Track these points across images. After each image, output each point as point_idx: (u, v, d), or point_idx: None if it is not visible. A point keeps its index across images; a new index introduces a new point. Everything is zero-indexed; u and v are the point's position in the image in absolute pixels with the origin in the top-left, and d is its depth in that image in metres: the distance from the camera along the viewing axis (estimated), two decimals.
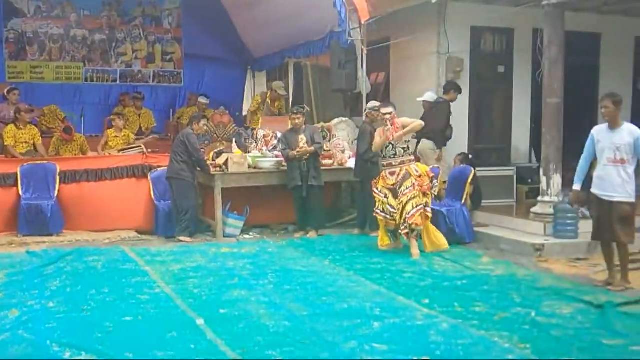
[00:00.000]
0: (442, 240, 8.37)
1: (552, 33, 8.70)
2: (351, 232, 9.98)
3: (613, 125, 6.66)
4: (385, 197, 8.16)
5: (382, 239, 8.55)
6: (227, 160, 9.57)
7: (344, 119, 11.29)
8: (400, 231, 8.15)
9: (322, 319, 5.51)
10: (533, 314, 5.68)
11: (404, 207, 7.94)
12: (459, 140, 10.56)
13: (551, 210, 8.59)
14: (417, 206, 7.90)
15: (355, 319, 5.48)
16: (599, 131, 6.79)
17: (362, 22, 10.08)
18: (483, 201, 9.91)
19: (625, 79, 12.01)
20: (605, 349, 4.83)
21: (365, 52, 10.36)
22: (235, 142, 10.61)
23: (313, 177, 9.44)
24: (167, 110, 13.98)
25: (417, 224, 7.95)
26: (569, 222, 8.32)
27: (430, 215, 8.17)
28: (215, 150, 10.35)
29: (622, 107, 6.74)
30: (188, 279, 6.97)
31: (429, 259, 8.04)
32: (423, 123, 8.54)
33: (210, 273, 7.26)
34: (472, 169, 9.43)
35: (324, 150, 9.94)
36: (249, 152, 10.27)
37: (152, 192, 9.83)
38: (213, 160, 9.94)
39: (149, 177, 9.92)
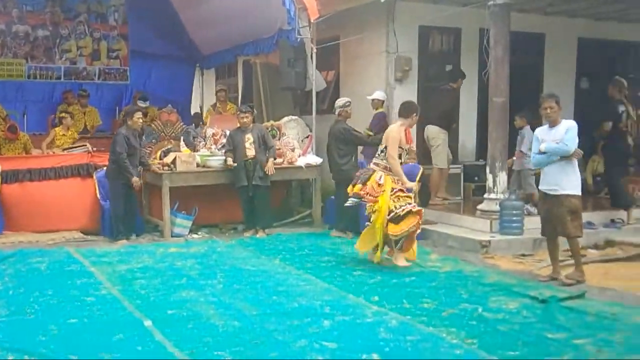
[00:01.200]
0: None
1: (498, 33, 8.85)
2: (301, 230, 9.99)
3: (554, 124, 6.87)
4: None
5: (364, 244, 7.78)
6: (175, 159, 9.46)
7: (293, 117, 11.27)
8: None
9: (272, 318, 5.51)
10: (480, 309, 5.78)
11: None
12: None
13: (497, 208, 8.73)
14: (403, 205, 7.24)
15: (305, 318, 5.49)
16: (541, 131, 7.00)
17: (312, 21, 10.08)
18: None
19: (568, 78, 12.30)
20: (549, 342, 4.94)
21: (314, 50, 10.36)
22: (183, 140, 10.50)
23: (259, 177, 9.43)
24: (113, 108, 13.72)
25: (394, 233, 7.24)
26: (514, 218, 8.48)
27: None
28: (163, 149, 10.22)
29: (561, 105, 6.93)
30: (135, 280, 6.88)
31: None
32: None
33: (158, 273, 7.19)
34: (421, 166, 9.51)
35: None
36: (197, 151, 10.17)
37: (97, 192, 9.64)
38: (161, 159, 9.82)
39: (94, 177, 9.72)
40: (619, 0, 10.44)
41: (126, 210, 9.20)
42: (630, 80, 12.56)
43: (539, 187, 7.06)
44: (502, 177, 8.92)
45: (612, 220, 9.23)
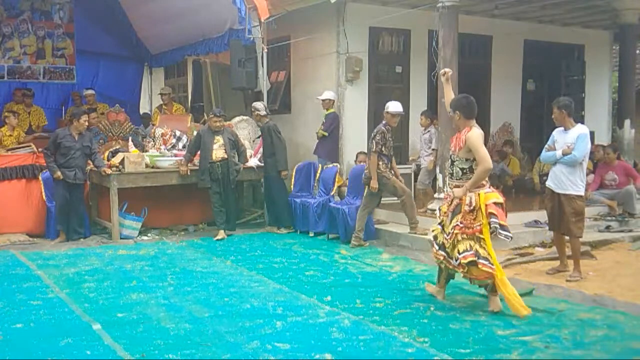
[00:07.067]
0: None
1: (446, 35, 8.95)
2: (253, 231, 9.97)
3: (565, 127, 7.10)
4: (441, 224, 5.99)
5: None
6: (123, 159, 9.31)
7: (244, 117, 11.22)
8: (455, 268, 5.87)
9: (224, 319, 5.48)
10: (432, 307, 5.84)
11: (452, 249, 5.79)
12: (359, 139, 10.71)
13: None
14: (467, 250, 5.66)
15: (257, 319, 5.47)
16: (558, 132, 7.22)
17: (262, 20, 10.05)
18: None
19: (515, 80, 12.58)
20: (499, 339, 5.02)
21: (265, 50, 10.32)
22: (132, 140, 10.34)
23: (231, 178, 9.52)
24: (59, 107, 13.44)
25: (476, 276, 5.74)
26: None
27: (487, 269, 5.62)
28: (111, 149, 10.05)
29: (570, 110, 7.07)
30: (83, 283, 6.77)
31: (330, 257, 8.14)
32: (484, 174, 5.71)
33: (106, 276, 7.09)
34: None
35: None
36: (146, 151, 10.03)
37: (43, 194, 9.43)
38: (108, 159, 9.65)
39: (40, 178, 9.51)
40: (558, 4, 10.73)
41: (68, 210, 9.14)
42: (573, 81, 12.96)
43: (547, 184, 7.27)
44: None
45: None
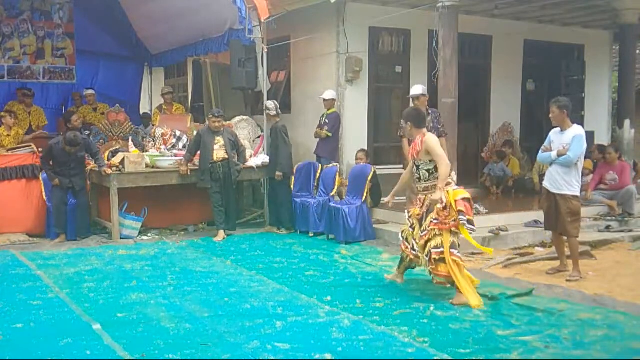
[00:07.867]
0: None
1: (446, 35, 8.94)
2: (254, 231, 9.95)
3: (562, 128, 7.13)
4: (412, 227, 6.49)
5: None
6: (123, 159, 9.31)
7: (244, 117, 11.22)
8: (426, 268, 6.40)
9: (224, 320, 5.48)
10: (432, 308, 5.84)
11: (425, 245, 6.25)
12: (359, 139, 10.72)
13: None
14: (438, 247, 6.10)
15: (257, 319, 5.48)
16: (554, 132, 7.26)
17: (262, 20, 10.05)
18: (382, 198, 10.10)
19: (515, 80, 12.58)
20: (498, 340, 5.02)
21: (265, 50, 10.32)
22: (132, 140, 10.34)
23: (233, 178, 9.56)
24: (59, 108, 13.44)
25: (440, 273, 6.15)
26: None
27: (457, 260, 6.09)
28: (111, 149, 10.05)
29: (569, 111, 7.11)
30: (83, 283, 6.77)
31: (330, 257, 8.15)
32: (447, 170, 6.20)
33: (106, 276, 7.09)
34: (372, 167, 9.60)
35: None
36: (146, 151, 10.03)
37: (43, 194, 9.43)
38: (108, 159, 9.65)
39: (40, 178, 9.51)
40: (558, 4, 10.73)
41: (65, 212, 9.18)
42: (573, 81, 12.97)
43: (543, 184, 7.36)
44: (452, 176, 8.97)
45: None
